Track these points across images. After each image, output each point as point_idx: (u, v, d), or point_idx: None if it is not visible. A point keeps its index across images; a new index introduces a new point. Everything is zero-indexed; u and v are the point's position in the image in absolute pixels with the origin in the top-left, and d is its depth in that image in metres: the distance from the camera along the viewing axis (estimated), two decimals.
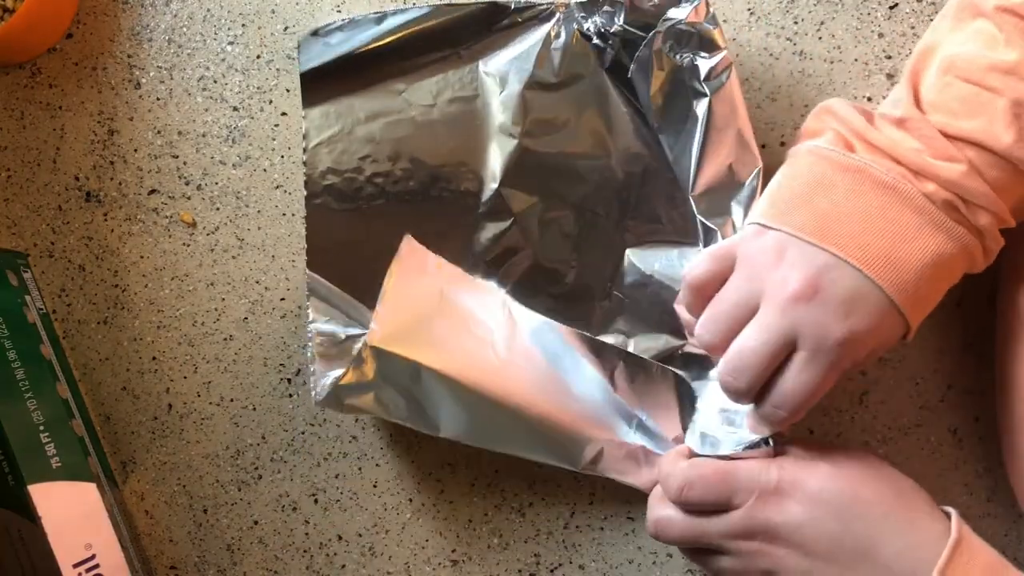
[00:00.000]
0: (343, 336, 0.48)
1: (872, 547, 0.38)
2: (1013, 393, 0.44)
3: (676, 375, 0.47)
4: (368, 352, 0.46)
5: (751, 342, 0.39)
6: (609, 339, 0.48)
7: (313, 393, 0.47)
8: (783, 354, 0.39)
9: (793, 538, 0.39)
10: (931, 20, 0.50)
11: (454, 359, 0.47)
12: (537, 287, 0.49)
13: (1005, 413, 0.45)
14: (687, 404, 0.48)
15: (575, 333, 0.48)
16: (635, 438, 0.48)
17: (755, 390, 0.40)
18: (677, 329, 0.48)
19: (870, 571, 0.38)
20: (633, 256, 0.49)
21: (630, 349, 0.48)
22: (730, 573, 0.42)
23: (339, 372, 0.46)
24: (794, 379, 0.39)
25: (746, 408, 0.43)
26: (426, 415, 0.46)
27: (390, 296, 0.46)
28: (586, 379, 0.48)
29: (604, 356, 0.48)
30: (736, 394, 0.41)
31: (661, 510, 0.43)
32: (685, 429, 0.48)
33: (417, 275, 0.47)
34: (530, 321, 0.48)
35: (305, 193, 0.49)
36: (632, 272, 0.49)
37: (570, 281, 0.49)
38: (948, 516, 0.39)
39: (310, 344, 0.48)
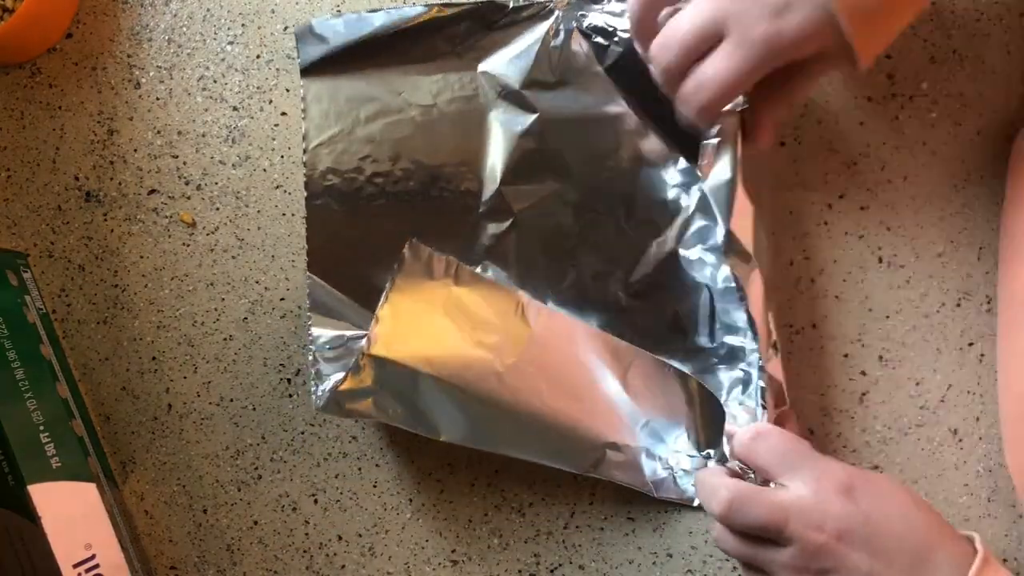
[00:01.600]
0: (344, 339, 0.48)
1: (929, 554, 0.38)
2: (1013, 381, 0.44)
3: (687, 376, 0.47)
4: (366, 360, 0.46)
5: (682, 21, 0.40)
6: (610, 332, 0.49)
7: (314, 399, 0.47)
8: (709, 42, 0.40)
9: (861, 533, 0.38)
10: (931, 19, 0.50)
11: (454, 365, 0.47)
12: (537, 287, 0.49)
13: (1007, 400, 0.45)
14: (696, 405, 0.48)
15: (592, 332, 0.48)
16: (642, 439, 0.48)
17: (680, 69, 0.41)
18: (679, 328, 0.48)
19: None
20: (634, 256, 0.49)
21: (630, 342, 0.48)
22: (785, 570, 0.40)
23: (338, 377, 0.46)
24: (715, 64, 0.40)
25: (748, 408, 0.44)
26: (425, 420, 0.46)
27: (390, 303, 0.46)
28: (597, 378, 0.48)
29: (619, 355, 0.48)
30: (661, 70, 0.42)
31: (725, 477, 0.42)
32: (695, 430, 0.48)
33: (421, 279, 0.47)
34: (547, 320, 0.48)
35: (305, 193, 0.49)
36: (633, 272, 0.49)
37: (570, 281, 0.49)
38: (968, 539, 0.40)
39: (311, 346, 0.48)
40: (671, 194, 0.49)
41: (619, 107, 0.49)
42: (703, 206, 0.48)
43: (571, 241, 0.49)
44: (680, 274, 0.49)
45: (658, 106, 0.48)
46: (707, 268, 0.48)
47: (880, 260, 0.50)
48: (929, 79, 0.50)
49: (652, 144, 0.49)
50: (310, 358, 0.48)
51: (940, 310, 0.50)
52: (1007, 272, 0.45)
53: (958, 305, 0.50)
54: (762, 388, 0.45)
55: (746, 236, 0.45)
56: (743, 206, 0.45)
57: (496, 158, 0.49)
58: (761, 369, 0.45)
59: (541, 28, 0.48)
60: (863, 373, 0.50)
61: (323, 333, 0.48)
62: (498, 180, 0.49)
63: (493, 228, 0.49)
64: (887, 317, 0.50)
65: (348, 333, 0.48)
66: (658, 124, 0.48)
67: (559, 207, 0.49)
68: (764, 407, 0.45)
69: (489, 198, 0.49)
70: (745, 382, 0.47)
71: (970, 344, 0.50)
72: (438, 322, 0.47)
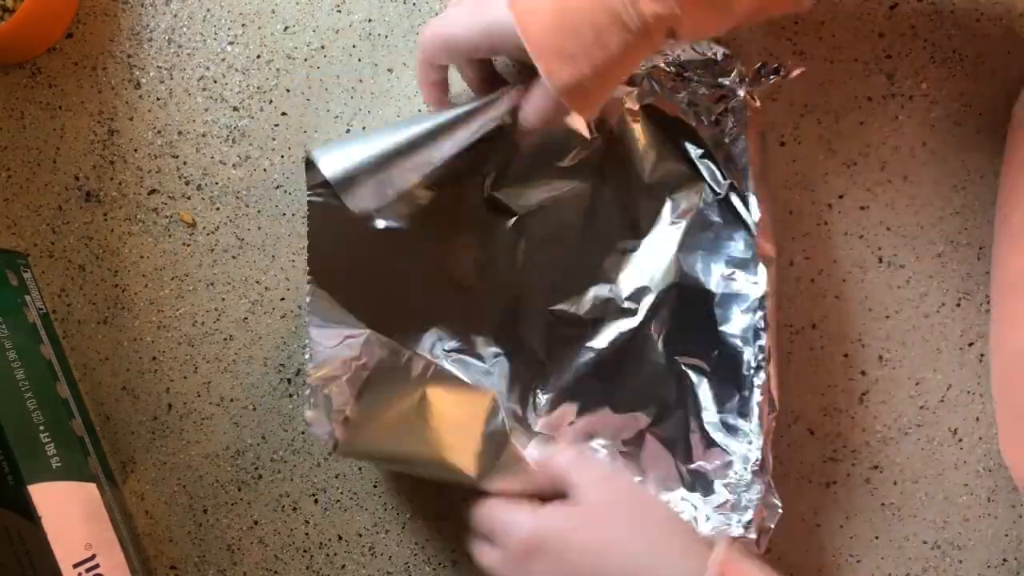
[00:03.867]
0: (342, 337, 0.48)
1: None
2: (1008, 340, 0.44)
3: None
4: (337, 450, 0.45)
5: None
6: (609, 339, 0.49)
7: (307, 410, 0.46)
8: None
9: (558, 545, 0.41)
10: (931, 19, 0.50)
11: (424, 467, 0.46)
12: (537, 289, 0.49)
13: (999, 361, 0.45)
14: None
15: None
16: None
17: None
18: (677, 335, 0.49)
19: None
20: (634, 259, 0.49)
21: (628, 350, 0.48)
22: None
23: (326, 409, 0.45)
24: None
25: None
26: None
27: (361, 401, 0.45)
28: None
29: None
30: None
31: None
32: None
33: (396, 378, 0.46)
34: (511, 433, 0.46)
35: (306, 192, 0.49)
36: (632, 275, 0.49)
37: (570, 283, 0.49)
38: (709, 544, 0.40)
39: (307, 349, 0.48)
40: (672, 200, 0.49)
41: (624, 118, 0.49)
42: (704, 213, 0.48)
43: (571, 245, 0.49)
44: (680, 278, 0.49)
45: (660, 113, 0.48)
46: (707, 275, 0.48)
47: (880, 260, 0.50)
48: (929, 79, 0.50)
49: (653, 149, 0.49)
50: (306, 356, 0.48)
51: (940, 310, 0.50)
52: (1004, 238, 0.45)
53: (958, 305, 0.50)
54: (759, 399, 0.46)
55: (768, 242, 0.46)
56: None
57: (497, 159, 0.49)
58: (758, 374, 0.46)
59: None
60: (863, 373, 0.50)
61: (320, 334, 0.48)
62: (499, 182, 0.49)
63: (493, 229, 0.49)
64: (887, 317, 0.50)
65: (345, 331, 0.48)
66: (660, 129, 0.49)
67: (562, 208, 0.49)
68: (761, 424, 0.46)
69: (490, 200, 0.49)
70: (737, 390, 0.47)
71: (970, 344, 0.50)
72: (410, 424, 0.45)
